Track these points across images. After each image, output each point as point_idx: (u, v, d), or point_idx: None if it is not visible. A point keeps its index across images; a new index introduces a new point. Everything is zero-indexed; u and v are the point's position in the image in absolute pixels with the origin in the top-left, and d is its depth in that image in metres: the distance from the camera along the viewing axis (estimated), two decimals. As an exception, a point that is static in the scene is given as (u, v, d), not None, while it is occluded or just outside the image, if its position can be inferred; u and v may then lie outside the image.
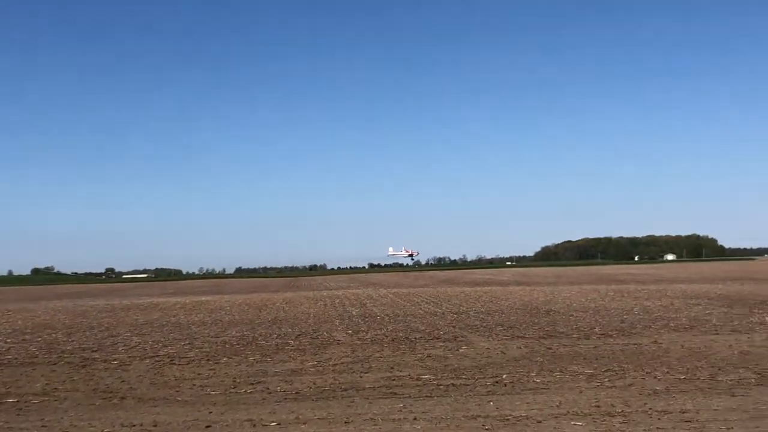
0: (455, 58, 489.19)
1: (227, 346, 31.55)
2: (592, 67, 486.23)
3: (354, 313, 49.27)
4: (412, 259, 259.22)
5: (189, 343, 32.71)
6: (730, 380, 19.34)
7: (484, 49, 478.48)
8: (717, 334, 30.01)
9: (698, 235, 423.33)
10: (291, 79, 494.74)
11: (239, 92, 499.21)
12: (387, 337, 32.89)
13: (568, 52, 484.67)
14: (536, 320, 38.81)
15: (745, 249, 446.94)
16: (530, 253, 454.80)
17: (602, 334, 31.07)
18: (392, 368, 23.58)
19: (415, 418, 16.04)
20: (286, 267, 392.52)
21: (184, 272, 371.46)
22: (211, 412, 17.55)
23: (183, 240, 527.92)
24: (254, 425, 16.11)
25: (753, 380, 19.26)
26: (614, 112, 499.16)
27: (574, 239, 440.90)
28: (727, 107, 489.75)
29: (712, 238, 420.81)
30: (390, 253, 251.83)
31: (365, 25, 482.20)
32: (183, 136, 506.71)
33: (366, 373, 22.92)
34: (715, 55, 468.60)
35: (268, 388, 20.68)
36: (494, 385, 19.83)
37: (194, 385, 21.71)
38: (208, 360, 27.03)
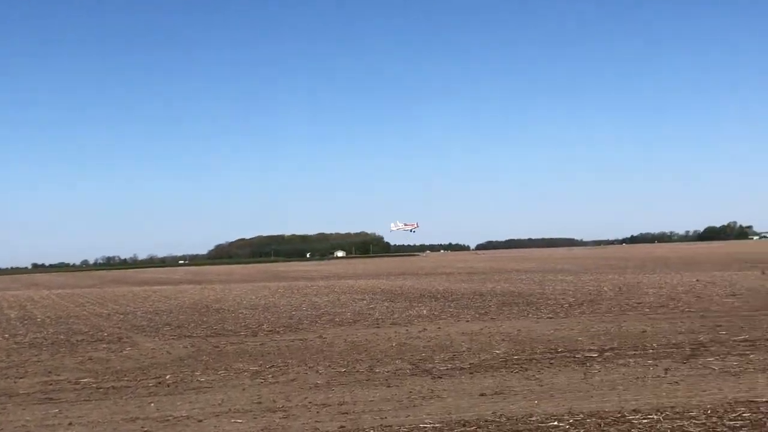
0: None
1: None
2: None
3: (12, 315, 46.34)
4: (413, 232, 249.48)
5: None
6: (387, 371, 20.21)
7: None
8: (378, 327, 31.37)
9: (366, 233, 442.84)
10: None
11: None
12: (47, 340, 31.17)
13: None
14: (205, 319, 38.55)
15: (408, 246, 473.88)
16: (204, 251, 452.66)
17: (270, 331, 31.42)
18: (50, 372, 22.32)
19: (70, 423, 15.22)
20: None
21: None
22: None
23: None
24: None
25: (408, 370, 20.25)
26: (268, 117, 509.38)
27: (248, 237, 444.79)
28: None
29: (379, 236, 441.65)
30: (392, 229, 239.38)
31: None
32: None
33: (21, 378, 21.52)
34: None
35: None
36: (157, 386, 19.32)
37: None
38: None
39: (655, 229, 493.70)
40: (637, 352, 21.88)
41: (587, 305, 37.36)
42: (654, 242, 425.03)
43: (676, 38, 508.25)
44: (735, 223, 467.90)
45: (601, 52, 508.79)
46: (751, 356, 20.28)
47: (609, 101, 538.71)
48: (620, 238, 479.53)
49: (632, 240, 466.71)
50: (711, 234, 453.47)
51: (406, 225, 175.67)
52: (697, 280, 52.92)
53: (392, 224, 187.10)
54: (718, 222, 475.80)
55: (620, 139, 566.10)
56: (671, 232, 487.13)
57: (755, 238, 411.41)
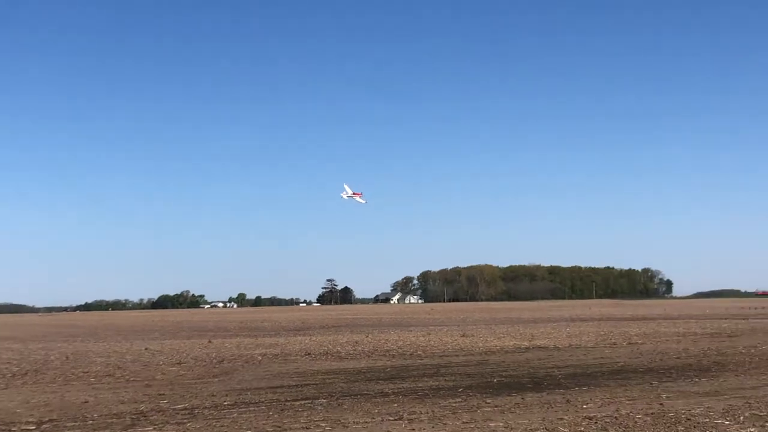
0: None
1: None
2: None
3: None
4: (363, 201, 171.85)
5: None
6: None
7: None
8: None
9: None
10: None
11: None
12: None
13: None
14: None
15: None
16: None
17: None
18: None
19: None
20: None
21: None
22: None
23: None
24: None
25: None
26: None
27: None
28: None
29: None
30: (344, 197, 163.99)
31: None
32: None
33: None
34: None
35: None
36: None
37: None
38: None
39: (109, 297, 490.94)
40: (77, 424, 21.35)
41: (31, 375, 35.65)
42: (108, 309, 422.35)
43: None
44: (188, 292, 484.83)
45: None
46: (188, 425, 20.87)
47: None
48: (74, 305, 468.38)
49: (86, 307, 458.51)
50: (165, 302, 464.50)
51: (354, 194, 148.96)
52: (146, 349, 53.44)
53: (342, 193, 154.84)
54: (172, 291, 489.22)
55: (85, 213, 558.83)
56: (126, 300, 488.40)
57: (207, 306, 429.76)
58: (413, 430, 19.51)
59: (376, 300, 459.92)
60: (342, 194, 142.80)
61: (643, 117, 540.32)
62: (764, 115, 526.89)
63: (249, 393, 27.61)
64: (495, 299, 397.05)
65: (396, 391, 27.27)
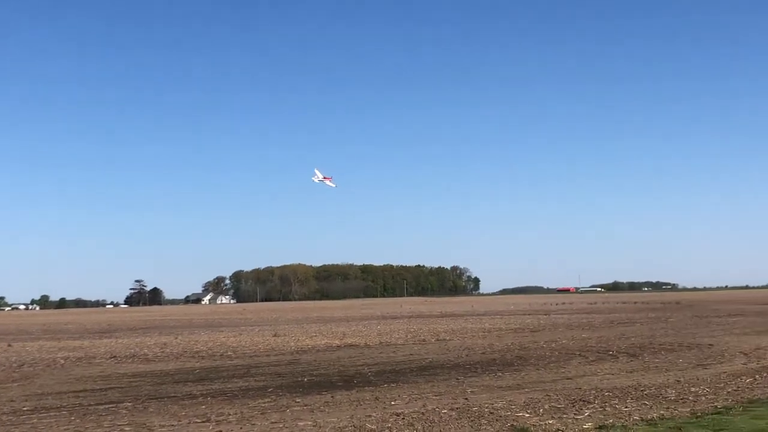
0: None
1: None
2: None
3: None
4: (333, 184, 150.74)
5: None
6: None
7: None
8: None
9: None
10: None
11: None
12: None
13: None
14: None
15: None
16: None
17: None
18: None
19: None
20: None
21: None
22: None
23: None
24: None
25: None
26: None
27: None
28: None
29: None
30: (315, 180, 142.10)
31: None
32: None
33: None
34: None
35: None
36: None
37: None
38: None
39: None
40: None
41: None
42: None
43: None
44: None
45: None
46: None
47: None
48: None
49: None
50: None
51: (325, 177, 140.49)
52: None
53: (313, 177, 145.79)
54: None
55: None
56: None
57: (7, 309, 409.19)
58: (221, 431, 19.27)
59: (187, 301, 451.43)
60: (313, 178, 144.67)
61: (449, 117, 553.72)
62: (576, 117, 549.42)
63: (50, 398, 26.51)
64: (308, 298, 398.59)
65: (204, 392, 26.86)
